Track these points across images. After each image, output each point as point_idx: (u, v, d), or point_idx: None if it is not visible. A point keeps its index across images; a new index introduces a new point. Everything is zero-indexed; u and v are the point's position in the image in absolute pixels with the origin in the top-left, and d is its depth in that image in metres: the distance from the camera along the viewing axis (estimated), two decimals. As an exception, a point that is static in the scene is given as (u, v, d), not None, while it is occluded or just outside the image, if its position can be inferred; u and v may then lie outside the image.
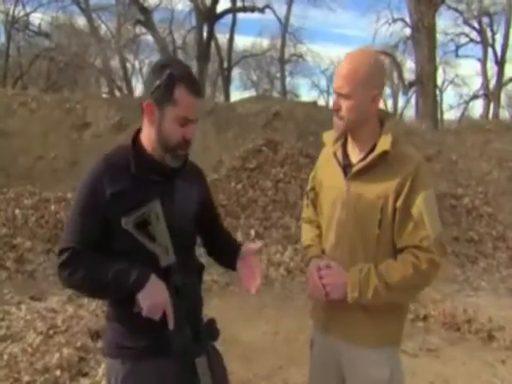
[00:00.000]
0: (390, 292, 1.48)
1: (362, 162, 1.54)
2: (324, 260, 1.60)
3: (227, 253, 1.61)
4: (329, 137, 1.70)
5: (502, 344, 3.59)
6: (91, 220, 1.36)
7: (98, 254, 1.37)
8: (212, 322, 1.45)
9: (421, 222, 1.46)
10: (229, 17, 18.08)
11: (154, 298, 1.30)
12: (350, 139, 1.61)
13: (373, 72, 1.49)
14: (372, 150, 1.54)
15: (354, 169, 1.55)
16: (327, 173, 1.67)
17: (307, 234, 1.78)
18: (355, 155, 1.59)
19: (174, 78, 1.33)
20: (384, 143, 1.50)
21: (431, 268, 1.46)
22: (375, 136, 1.55)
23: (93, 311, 3.64)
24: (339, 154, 1.63)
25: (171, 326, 1.33)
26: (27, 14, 18.27)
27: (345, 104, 1.50)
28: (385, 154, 1.49)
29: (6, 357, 2.97)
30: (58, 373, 2.85)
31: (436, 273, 1.50)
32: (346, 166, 1.60)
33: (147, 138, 1.42)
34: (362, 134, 1.56)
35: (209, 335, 1.42)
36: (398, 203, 1.48)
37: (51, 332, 3.29)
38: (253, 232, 5.75)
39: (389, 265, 1.50)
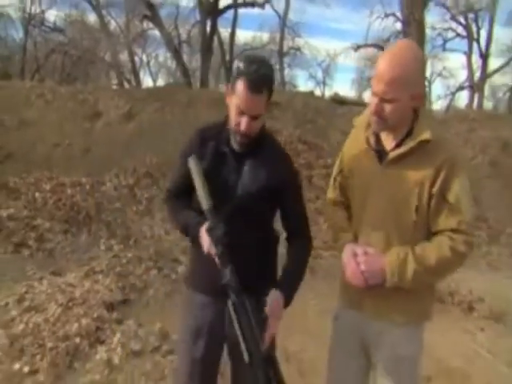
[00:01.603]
0: (428, 275, 1.45)
1: (399, 148, 1.46)
2: (360, 246, 1.52)
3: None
4: (360, 121, 1.62)
5: (481, 314, 3.65)
6: (182, 173, 1.60)
7: (183, 201, 1.63)
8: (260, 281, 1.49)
9: (457, 206, 1.41)
10: (231, 12, 17.82)
11: (204, 246, 1.45)
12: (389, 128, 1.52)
13: (416, 72, 1.40)
14: (407, 136, 1.46)
15: (391, 155, 1.47)
16: (359, 158, 1.58)
17: (335, 216, 1.70)
18: (389, 141, 1.50)
19: (239, 72, 1.43)
20: (423, 132, 1.43)
21: (468, 249, 1.42)
22: (409, 122, 1.48)
23: (107, 286, 3.68)
24: (372, 140, 1.54)
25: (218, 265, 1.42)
26: (43, 11, 18.27)
27: (388, 107, 1.40)
28: (425, 142, 1.42)
29: (30, 325, 3.02)
30: (77, 340, 2.91)
31: (471, 253, 1.45)
32: (379, 152, 1.52)
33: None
34: (399, 123, 1.47)
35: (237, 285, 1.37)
36: (435, 189, 1.42)
37: (70, 304, 3.33)
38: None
39: (425, 248, 1.44)
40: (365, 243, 1.53)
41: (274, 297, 1.44)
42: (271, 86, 1.47)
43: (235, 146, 1.53)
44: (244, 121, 1.45)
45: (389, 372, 1.56)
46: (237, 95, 1.43)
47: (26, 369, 2.66)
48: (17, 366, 2.68)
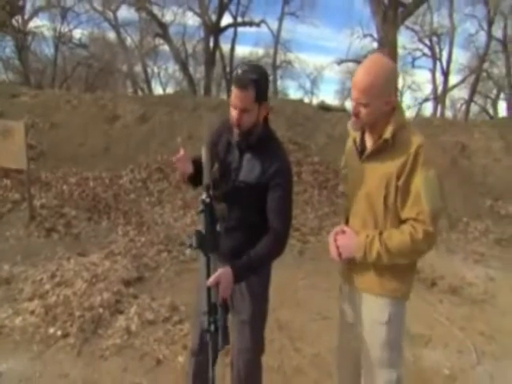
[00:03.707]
0: (390, 256, 1.44)
1: (372, 147, 1.49)
2: (341, 227, 1.59)
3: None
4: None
5: (441, 289, 3.71)
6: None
7: None
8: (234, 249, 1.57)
9: (418, 198, 1.39)
10: (231, 30, 17.76)
11: None
12: (366, 128, 1.54)
13: (386, 82, 1.40)
14: (381, 136, 1.47)
15: (366, 153, 1.51)
16: (350, 156, 1.62)
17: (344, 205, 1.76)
18: (369, 141, 1.53)
19: (234, 75, 1.51)
20: (386, 133, 1.44)
21: (425, 237, 1.40)
22: (385, 125, 1.47)
23: (125, 265, 3.69)
24: (358, 141, 1.57)
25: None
26: (70, 30, 18.21)
27: (363, 110, 1.42)
28: (386, 141, 1.44)
29: (61, 297, 3.05)
30: (100, 310, 2.94)
31: (430, 242, 1.43)
32: (362, 151, 1.54)
33: None
34: (375, 126, 1.48)
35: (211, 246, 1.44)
36: (400, 182, 1.42)
37: (94, 280, 3.35)
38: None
39: (391, 233, 1.45)
40: (350, 226, 1.58)
41: (224, 270, 1.43)
42: (258, 87, 1.47)
43: (236, 138, 1.56)
44: (235, 113, 1.50)
45: (365, 333, 1.60)
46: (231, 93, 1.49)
47: (59, 333, 2.70)
48: (51, 330, 2.71)
